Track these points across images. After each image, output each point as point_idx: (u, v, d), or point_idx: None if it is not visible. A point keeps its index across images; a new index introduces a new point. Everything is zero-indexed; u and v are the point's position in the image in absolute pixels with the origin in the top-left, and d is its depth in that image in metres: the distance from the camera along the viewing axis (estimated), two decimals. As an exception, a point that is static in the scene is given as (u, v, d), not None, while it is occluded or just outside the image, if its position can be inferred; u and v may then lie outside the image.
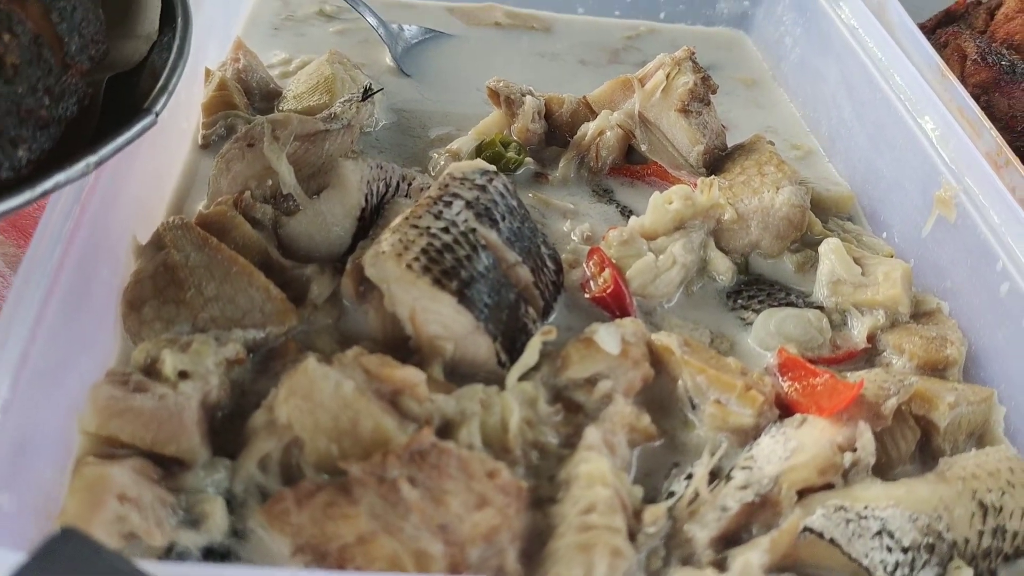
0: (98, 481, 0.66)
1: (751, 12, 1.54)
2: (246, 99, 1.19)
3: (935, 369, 0.93)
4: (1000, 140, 1.06)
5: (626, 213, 1.13)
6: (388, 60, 1.37)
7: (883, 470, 0.83)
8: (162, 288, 0.85)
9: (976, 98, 1.25)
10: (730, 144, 1.21)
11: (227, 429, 0.78)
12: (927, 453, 0.86)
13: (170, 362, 0.77)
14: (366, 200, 0.97)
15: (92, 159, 0.69)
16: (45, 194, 0.67)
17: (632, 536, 0.74)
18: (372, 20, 1.39)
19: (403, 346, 0.86)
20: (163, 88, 0.77)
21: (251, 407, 0.78)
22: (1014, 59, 1.29)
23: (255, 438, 0.75)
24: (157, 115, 0.76)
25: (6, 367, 0.64)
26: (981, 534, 0.76)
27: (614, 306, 0.97)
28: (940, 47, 1.35)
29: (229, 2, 1.36)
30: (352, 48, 1.38)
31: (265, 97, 1.22)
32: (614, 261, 1.00)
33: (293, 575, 0.63)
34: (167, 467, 0.73)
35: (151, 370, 0.78)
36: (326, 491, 0.70)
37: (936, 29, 1.51)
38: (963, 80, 1.27)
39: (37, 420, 0.67)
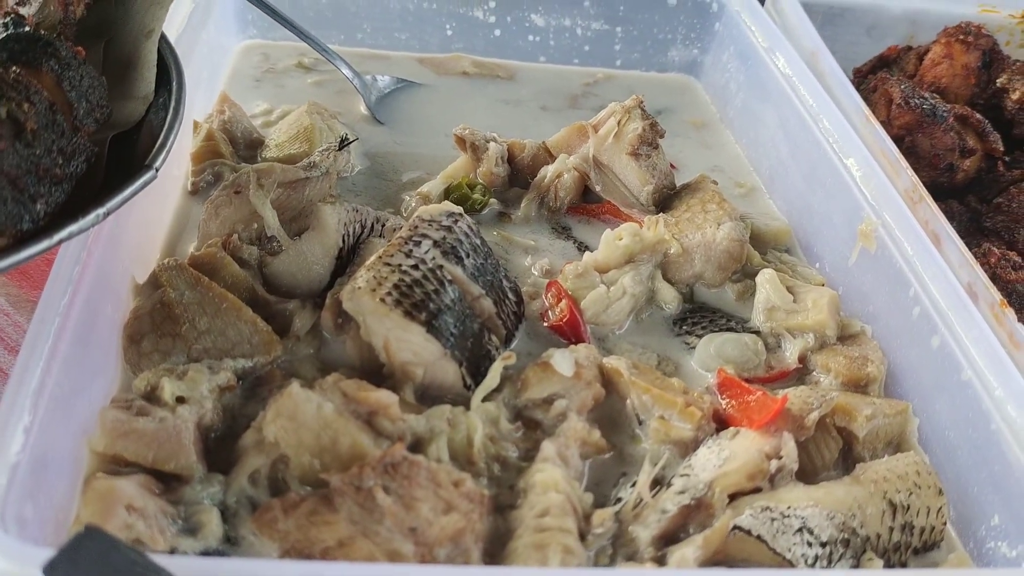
0: (109, 492, 0.75)
1: (700, 60, 1.66)
2: (231, 148, 1.29)
3: (858, 385, 1.03)
4: (915, 179, 1.17)
5: (582, 248, 1.23)
6: (362, 109, 1.48)
7: (809, 475, 0.93)
8: (159, 323, 0.95)
9: (901, 139, 1.38)
10: (680, 182, 1.32)
11: (220, 448, 0.87)
12: (849, 460, 0.96)
13: (169, 389, 0.86)
14: (343, 241, 1.07)
15: (101, 211, 0.79)
16: (61, 242, 0.76)
17: (583, 537, 0.83)
18: (347, 72, 1.49)
19: (378, 372, 0.96)
20: (162, 146, 0.87)
21: (241, 428, 0.87)
22: (935, 102, 1.41)
23: (245, 455, 0.84)
24: (157, 170, 0.85)
25: (27, 395, 0.73)
26: (891, 530, 0.86)
27: (570, 333, 1.07)
28: (870, 91, 1.47)
29: (214, 57, 1.46)
30: (329, 98, 1.48)
31: (249, 146, 1.32)
32: (570, 293, 1.10)
33: (280, 566, 0.71)
34: (167, 482, 0.82)
35: (151, 396, 0.87)
36: (309, 501, 0.79)
37: (871, 72, 1.64)
38: (889, 122, 1.38)
39: (53, 441, 0.75)
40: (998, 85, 1.57)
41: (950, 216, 1.36)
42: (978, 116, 1.44)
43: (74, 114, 0.84)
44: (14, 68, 0.80)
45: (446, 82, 1.60)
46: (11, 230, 0.74)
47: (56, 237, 0.76)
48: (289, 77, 1.54)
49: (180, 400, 0.86)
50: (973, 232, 1.36)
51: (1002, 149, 1.44)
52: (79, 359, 0.82)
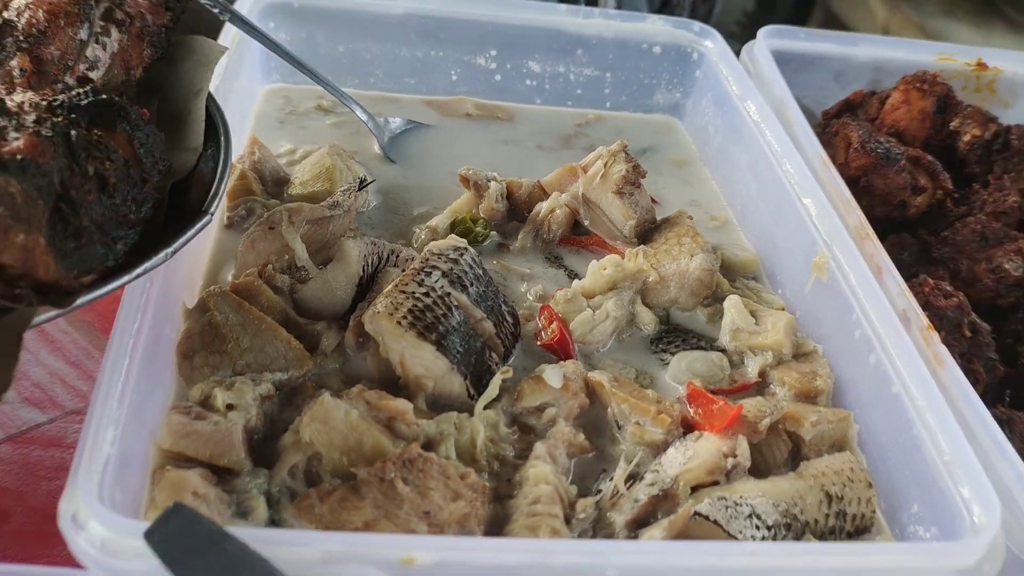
0: (179, 481, 0.91)
1: (682, 103, 1.83)
2: (261, 186, 1.45)
3: (808, 397, 1.19)
4: (863, 218, 1.33)
5: (572, 276, 1.39)
6: (376, 148, 1.64)
7: (762, 472, 1.09)
8: (208, 342, 1.11)
9: (857, 179, 1.54)
10: (660, 216, 1.48)
11: (263, 447, 1.03)
12: (798, 459, 1.12)
13: (220, 398, 1.02)
14: (363, 270, 1.23)
15: (169, 250, 0.95)
16: (137, 277, 0.93)
17: (568, 521, 0.99)
18: (362, 115, 1.66)
19: (395, 384, 1.12)
20: (215, 194, 1.04)
21: (280, 430, 1.03)
22: (890, 145, 1.58)
23: (285, 453, 1.00)
24: (212, 215, 1.02)
25: (113, 402, 0.89)
26: (827, 516, 1.02)
27: (560, 351, 1.23)
28: (832, 135, 1.64)
29: (243, 101, 1.63)
30: (346, 138, 1.65)
31: (276, 183, 1.49)
32: (560, 316, 1.26)
33: (314, 535, 0.86)
34: (221, 475, 0.98)
35: (206, 403, 1.03)
36: (340, 490, 0.95)
37: (837, 115, 1.81)
38: (847, 164, 1.55)
39: (130, 440, 0.91)
40: (951, 128, 1.74)
41: (902, 247, 1.53)
42: (929, 158, 1.60)
43: (143, 167, 1.00)
44: (95, 131, 0.96)
45: (451, 123, 1.76)
46: (99, 267, 0.90)
47: (134, 273, 0.92)
48: (310, 119, 1.70)
49: (230, 407, 1.02)
50: (923, 262, 1.52)
51: (950, 187, 1.61)
52: (147, 373, 0.98)
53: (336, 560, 0.79)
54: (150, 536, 0.73)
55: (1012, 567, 0.94)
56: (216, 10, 1.38)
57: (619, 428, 1.13)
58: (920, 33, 2.88)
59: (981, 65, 1.89)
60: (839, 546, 0.99)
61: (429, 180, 1.59)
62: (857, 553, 0.93)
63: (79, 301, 0.86)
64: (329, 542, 0.80)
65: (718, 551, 0.89)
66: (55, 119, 0.91)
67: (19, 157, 0.83)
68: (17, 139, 0.85)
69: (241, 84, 1.58)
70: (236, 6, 1.60)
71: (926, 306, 1.24)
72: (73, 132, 0.90)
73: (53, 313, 0.83)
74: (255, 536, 0.77)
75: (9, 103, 0.91)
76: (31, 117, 0.90)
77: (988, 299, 1.45)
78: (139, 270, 0.92)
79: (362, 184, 1.37)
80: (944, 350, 1.12)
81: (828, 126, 1.71)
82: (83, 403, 1.23)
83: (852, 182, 1.51)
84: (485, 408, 1.10)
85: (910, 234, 1.56)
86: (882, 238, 1.40)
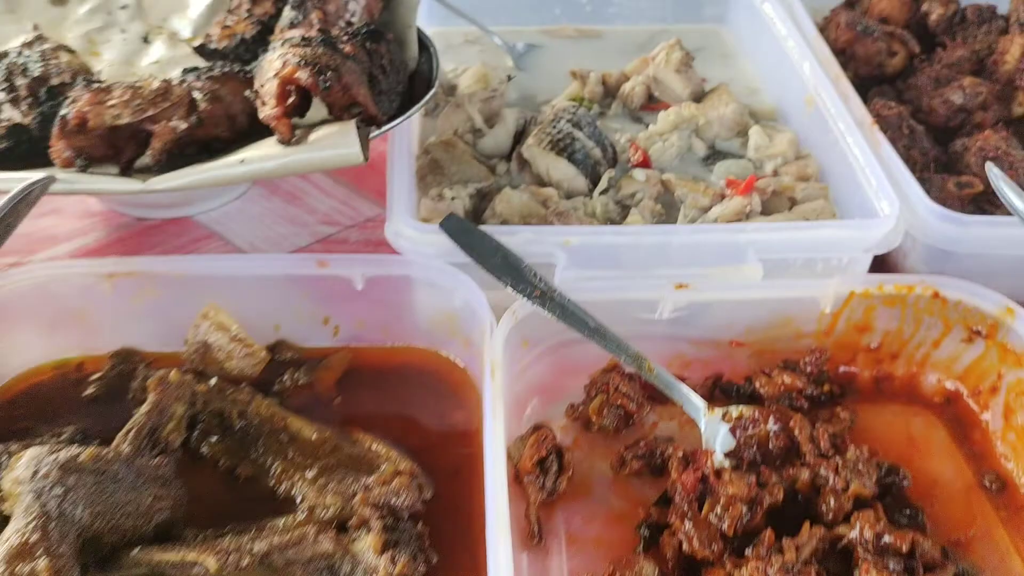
0: (443, 211, 1.68)
1: (723, 14, 2.52)
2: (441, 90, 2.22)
3: (802, 178, 1.89)
4: (839, 71, 2.01)
5: (647, 126, 2.11)
6: (509, 63, 2.39)
7: (770, 212, 1.80)
8: (432, 170, 1.87)
9: (843, 50, 2.21)
10: (707, 88, 2.19)
11: (473, 218, 1.79)
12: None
13: (447, 195, 1.78)
14: (516, 127, 1.98)
15: (417, 108, 1.71)
16: (399, 123, 1.69)
17: (652, 244, 1.72)
18: (499, 41, 2.41)
19: (545, 186, 1.86)
20: (431, 84, 1.79)
21: (480, 213, 1.79)
22: (868, 23, 2.24)
23: (490, 219, 1.76)
24: (434, 92, 1.78)
25: (401, 185, 1.66)
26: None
27: (644, 167, 1.96)
28: (828, 21, 2.30)
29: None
30: (489, 57, 2.40)
31: (449, 91, 2.25)
32: (643, 148, 1.99)
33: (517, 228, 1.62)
34: (455, 231, 1.74)
35: (439, 197, 1.79)
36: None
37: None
38: (837, 39, 2.22)
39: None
40: (923, 11, 2.38)
41: (881, 94, 2.20)
42: (900, 30, 2.25)
43: (395, 64, 1.77)
44: (372, 44, 1.73)
45: (559, 42, 2.50)
46: (387, 114, 1.67)
47: (398, 121, 1.68)
48: (463, 49, 2.46)
49: (453, 198, 1.79)
50: (897, 102, 2.19)
51: (918, 50, 2.26)
52: (405, 180, 1.74)
53: (531, 243, 1.54)
54: (443, 225, 1.50)
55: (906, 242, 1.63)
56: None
57: (681, 203, 1.85)
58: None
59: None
60: (801, 223, 1.69)
61: (547, 82, 2.32)
62: (813, 228, 1.63)
63: (382, 129, 1.63)
64: (526, 232, 1.55)
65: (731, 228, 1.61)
66: (355, 39, 1.68)
67: (350, 53, 1.60)
68: (344, 46, 1.62)
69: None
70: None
71: (877, 116, 1.91)
72: (367, 44, 1.67)
73: (376, 132, 1.60)
74: (489, 229, 1.53)
75: (334, 31, 1.68)
76: (345, 38, 1.67)
77: (941, 123, 2.11)
78: (400, 120, 1.69)
79: (509, 78, 2.12)
80: (882, 135, 1.81)
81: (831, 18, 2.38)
82: (352, 222, 2.00)
83: (841, 52, 2.18)
84: (600, 195, 1.83)
85: (889, 85, 2.23)
86: (867, 90, 2.07)
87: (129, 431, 1.33)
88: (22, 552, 1.15)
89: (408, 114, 1.69)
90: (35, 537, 1.16)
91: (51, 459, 1.22)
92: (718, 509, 1.33)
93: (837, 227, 1.65)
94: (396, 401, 1.55)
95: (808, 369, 1.55)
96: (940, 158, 1.96)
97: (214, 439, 1.43)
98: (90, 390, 1.52)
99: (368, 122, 1.58)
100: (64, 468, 1.21)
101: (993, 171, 1.51)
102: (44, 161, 1.53)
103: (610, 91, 2.21)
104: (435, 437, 1.49)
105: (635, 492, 1.45)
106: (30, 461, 1.22)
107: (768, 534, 1.29)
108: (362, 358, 1.60)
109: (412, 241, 1.55)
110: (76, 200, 2.00)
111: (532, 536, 1.37)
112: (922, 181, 1.77)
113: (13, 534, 1.16)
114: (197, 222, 1.98)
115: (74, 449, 1.23)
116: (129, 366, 1.55)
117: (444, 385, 1.57)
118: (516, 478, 1.42)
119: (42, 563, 1.14)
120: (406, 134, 1.85)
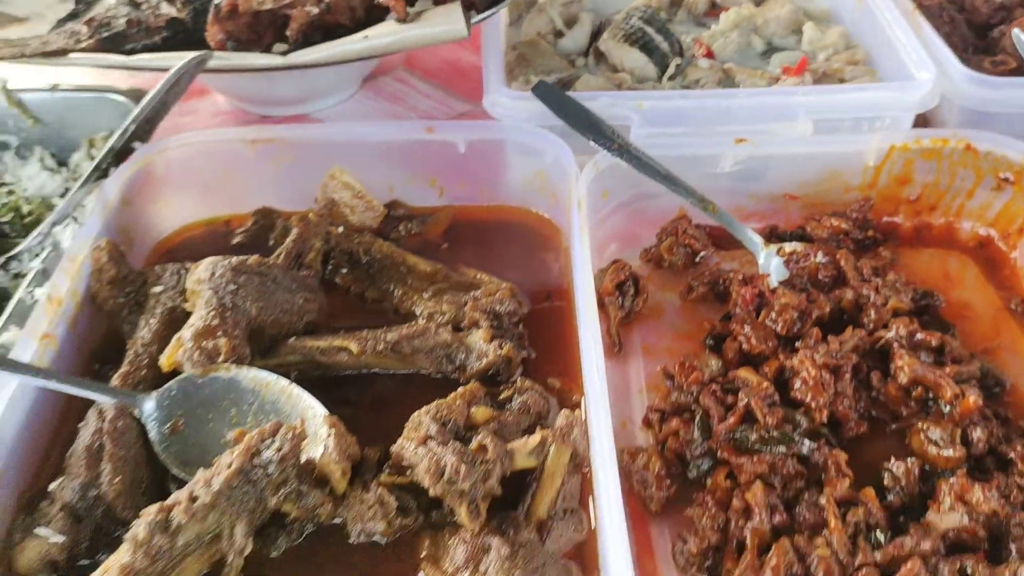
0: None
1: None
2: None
3: (853, 63, 2.10)
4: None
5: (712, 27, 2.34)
6: None
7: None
8: (520, 63, 2.12)
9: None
10: None
11: (558, 100, 2.05)
12: (844, 92, 2.04)
13: (533, 79, 2.03)
14: (592, 28, 2.22)
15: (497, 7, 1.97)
16: (494, 13, 1.94)
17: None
18: None
19: (616, 72, 2.10)
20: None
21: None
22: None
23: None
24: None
25: (496, 63, 1.92)
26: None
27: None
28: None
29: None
30: None
31: (530, 3, 2.49)
32: (707, 44, 2.21)
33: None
34: (541, 109, 2.00)
35: (527, 81, 2.04)
36: (600, 108, 1.96)
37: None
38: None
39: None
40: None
41: None
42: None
43: (488, -34, 2.02)
44: (467, -52, 1.98)
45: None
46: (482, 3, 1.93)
47: (496, 9, 1.94)
48: None
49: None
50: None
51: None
52: (498, 64, 2.00)
53: (609, 107, 1.78)
54: (535, 90, 1.75)
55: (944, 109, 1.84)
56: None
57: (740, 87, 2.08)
58: None
59: None
60: (847, 86, 1.91)
61: None
62: (858, 91, 1.85)
63: (480, 16, 1.89)
64: (605, 97, 1.80)
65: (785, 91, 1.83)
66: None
67: None
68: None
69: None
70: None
71: (919, 5, 2.11)
72: (464, -56, 1.93)
73: (477, 17, 1.86)
74: (573, 95, 1.78)
75: (435, -67, 1.95)
76: (445, -61, 1.93)
77: (983, 20, 2.29)
78: (496, 8, 1.94)
79: None
80: (924, 19, 2.01)
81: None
82: (447, 117, 2.27)
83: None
84: (668, 80, 2.07)
85: None
86: None
87: (280, 254, 1.62)
88: (206, 332, 1.44)
89: (501, 5, 1.95)
90: (215, 322, 1.45)
91: (225, 263, 1.50)
92: (773, 315, 1.56)
93: (880, 89, 1.86)
94: (494, 247, 1.81)
95: (854, 215, 1.77)
96: (978, 44, 2.15)
97: (344, 271, 1.71)
98: (236, 239, 1.81)
99: (468, 6, 1.84)
100: (236, 270, 1.50)
101: (1021, 37, 1.70)
102: (197, 49, 1.82)
103: (676, 3, 2.44)
104: (529, 273, 1.75)
105: (701, 314, 1.69)
106: (208, 265, 1.51)
107: (816, 331, 1.53)
108: (464, 215, 1.87)
109: (507, 108, 1.80)
110: (209, 102, 2.30)
111: (614, 345, 1.62)
112: (961, 62, 1.97)
113: (198, 320, 1.45)
114: (313, 119, 2.26)
115: (242, 255, 1.52)
116: (269, 221, 1.84)
117: (535, 235, 1.83)
118: (599, 302, 1.67)
119: (222, 341, 1.43)
120: (495, 30, 2.11)
